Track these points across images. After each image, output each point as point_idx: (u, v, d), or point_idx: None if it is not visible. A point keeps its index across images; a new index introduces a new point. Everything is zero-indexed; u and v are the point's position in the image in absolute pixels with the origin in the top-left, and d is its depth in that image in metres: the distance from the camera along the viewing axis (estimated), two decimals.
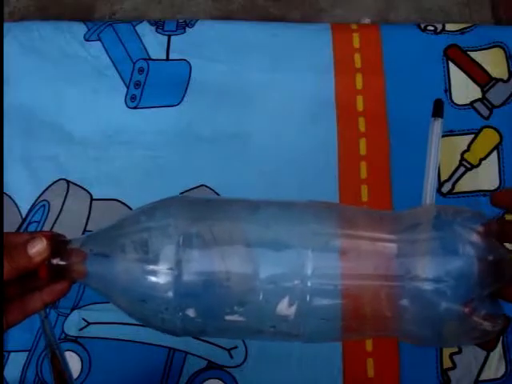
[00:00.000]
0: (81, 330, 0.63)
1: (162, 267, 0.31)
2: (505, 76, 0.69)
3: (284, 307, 0.32)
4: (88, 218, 0.66)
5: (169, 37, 0.71)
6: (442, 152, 0.66)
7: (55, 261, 0.32)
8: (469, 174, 0.66)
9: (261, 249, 0.32)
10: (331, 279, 0.32)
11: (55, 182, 0.67)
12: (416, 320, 0.31)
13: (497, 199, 0.32)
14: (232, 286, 0.32)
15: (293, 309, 0.32)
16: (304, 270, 0.31)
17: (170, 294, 0.31)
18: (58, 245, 0.33)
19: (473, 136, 0.67)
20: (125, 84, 0.69)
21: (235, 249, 0.32)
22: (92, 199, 0.66)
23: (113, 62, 0.70)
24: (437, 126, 0.37)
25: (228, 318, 0.33)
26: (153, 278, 0.31)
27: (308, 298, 0.32)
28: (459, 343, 0.32)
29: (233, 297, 0.32)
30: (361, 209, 0.38)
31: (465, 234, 0.30)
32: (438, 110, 0.37)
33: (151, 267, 0.31)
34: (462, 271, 0.29)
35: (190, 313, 0.33)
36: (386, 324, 0.32)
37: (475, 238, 0.30)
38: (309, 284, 0.31)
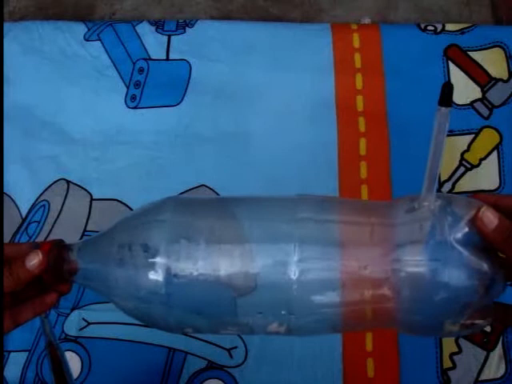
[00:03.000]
0: (81, 329, 0.63)
1: (152, 281, 0.32)
2: (505, 76, 0.69)
3: (274, 327, 0.33)
4: (88, 218, 0.66)
5: (169, 37, 0.71)
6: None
7: (57, 265, 0.34)
8: (469, 173, 0.66)
9: (247, 273, 0.32)
10: (321, 289, 0.32)
11: (55, 182, 0.67)
12: (410, 307, 0.31)
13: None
14: (221, 312, 0.33)
15: (283, 328, 0.33)
16: (292, 282, 0.31)
17: (163, 309, 0.32)
18: (60, 250, 0.34)
19: (473, 136, 0.67)
20: (125, 84, 0.69)
21: (222, 274, 0.32)
22: (92, 199, 0.66)
23: (113, 62, 0.70)
24: (443, 116, 0.30)
25: (221, 331, 0.34)
26: (143, 292, 0.32)
27: (298, 315, 0.32)
28: (453, 333, 0.32)
29: (223, 320, 0.33)
30: (355, 202, 0.37)
31: (460, 230, 0.30)
32: (445, 96, 0.29)
33: (142, 283, 0.32)
34: (457, 261, 0.29)
35: (185, 328, 0.34)
36: (384, 318, 0.32)
37: (469, 233, 0.30)
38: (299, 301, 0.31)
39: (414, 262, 0.30)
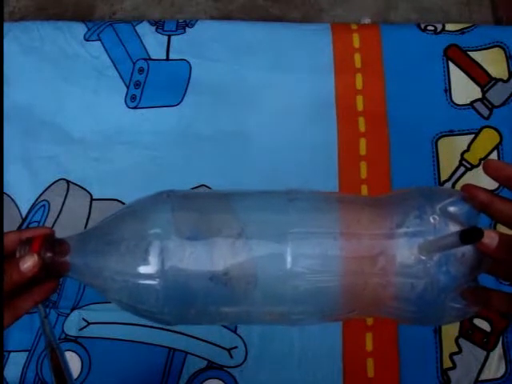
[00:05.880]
0: (81, 329, 0.63)
1: (148, 275, 0.31)
2: (505, 76, 0.69)
3: (273, 317, 0.33)
4: (88, 218, 0.66)
5: (169, 37, 0.71)
6: (441, 153, 0.67)
7: (49, 260, 0.33)
8: (469, 173, 0.66)
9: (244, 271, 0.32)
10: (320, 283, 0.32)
11: (55, 182, 0.67)
12: (407, 288, 0.31)
13: (492, 171, 0.31)
14: (219, 305, 0.33)
15: (282, 318, 0.33)
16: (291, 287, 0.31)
17: (157, 302, 0.32)
18: (52, 243, 0.34)
19: (473, 136, 0.67)
20: (125, 84, 0.69)
21: (221, 268, 0.32)
22: (92, 199, 0.66)
23: (113, 61, 0.70)
24: (456, 244, 0.29)
25: (219, 323, 0.34)
26: (139, 286, 0.32)
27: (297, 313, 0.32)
28: (444, 320, 0.33)
29: (221, 312, 0.33)
30: (351, 195, 0.37)
31: (451, 218, 0.30)
32: (470, 239, 0.28)
33: (136, 275, 0.32)
34: (451, 253, 0.30)
35: (181, 320, 0.34)
36: (381, 301, 0.33)
37: (461, 224, 0.30)
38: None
39: (408, 249, 0.30)
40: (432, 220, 0.30)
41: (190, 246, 0.32)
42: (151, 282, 0.31)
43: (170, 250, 0.31)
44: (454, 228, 0.30)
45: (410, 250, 0.30)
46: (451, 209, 0.31)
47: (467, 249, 0.30)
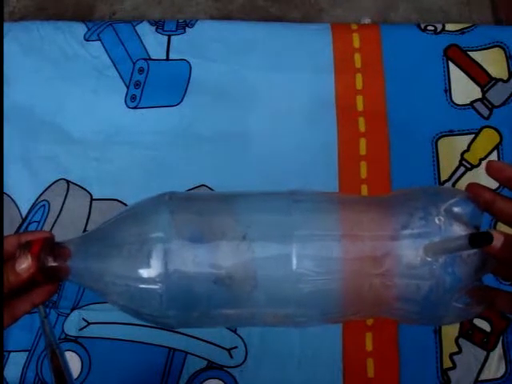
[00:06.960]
0: (81, 329, 0.63)
1: (151, 279, 0.31)
2: (505, 76, 0.69)
3: (275, 319, 0.33)
4: (88, 218, 0.66)
5: (169, 37, 0.71)
6: (441, 153, 0.67)
7: (49, 263, 0.33)
8: (469, 173, 0.66)
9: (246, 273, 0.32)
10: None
11: (55, 181, 0.67)
12: (406, 298, 0.31)
13: (493, 172, 0.31)
14: (221, 307, 0.33)
15: (284, 320, 0.33)
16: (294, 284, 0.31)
17: (161, 306, 0.32)
18: (52, 247, 0.33)
19: (473, 136, 0.67)
20: (125, 84, 0.69)
21: (221, 271, 0.31)
22: (92, 199, 0.66)
23: (113, 61, 0.70)
24: (465, 248, 0.28)
25: (221, 326, 0.34)
26: (142, 290, 0.32)
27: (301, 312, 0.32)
28: (449, 319, 0.32)
29: (223, 315, 0.33)
30: (353, 196, 0.37)
31: (455, 219, 0.30)
32: (480, 242, 0.28)
33: (139, 279, 0.32)
34: (457, 255, 0.30)
35: (183, 323, 0.34)
36: (384, 300, 0.32)
37: (466, 226, 0.30)
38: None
39: (414, 251, 0.30)
40: (437, 221, 0.30)
41: (194, 249, 0.31)
42: (154, 286, 0.31)
43: (173, 254, 0.31)
44: (458, 228, 0.30)
45: (415, 251, 0.30)
46: (456, 209, 0.31)
47: (473, 250, 0.29)
